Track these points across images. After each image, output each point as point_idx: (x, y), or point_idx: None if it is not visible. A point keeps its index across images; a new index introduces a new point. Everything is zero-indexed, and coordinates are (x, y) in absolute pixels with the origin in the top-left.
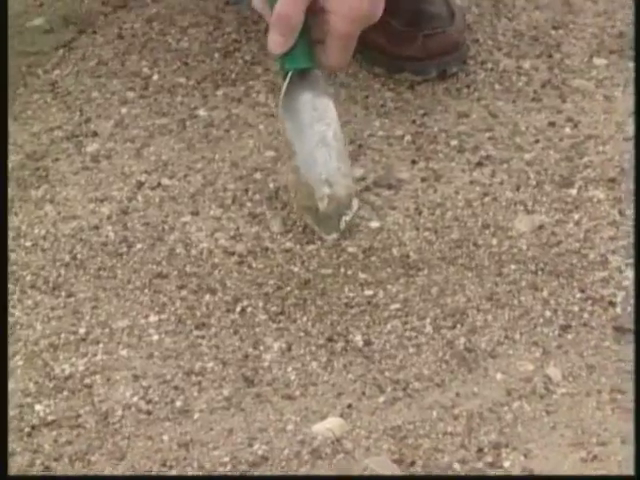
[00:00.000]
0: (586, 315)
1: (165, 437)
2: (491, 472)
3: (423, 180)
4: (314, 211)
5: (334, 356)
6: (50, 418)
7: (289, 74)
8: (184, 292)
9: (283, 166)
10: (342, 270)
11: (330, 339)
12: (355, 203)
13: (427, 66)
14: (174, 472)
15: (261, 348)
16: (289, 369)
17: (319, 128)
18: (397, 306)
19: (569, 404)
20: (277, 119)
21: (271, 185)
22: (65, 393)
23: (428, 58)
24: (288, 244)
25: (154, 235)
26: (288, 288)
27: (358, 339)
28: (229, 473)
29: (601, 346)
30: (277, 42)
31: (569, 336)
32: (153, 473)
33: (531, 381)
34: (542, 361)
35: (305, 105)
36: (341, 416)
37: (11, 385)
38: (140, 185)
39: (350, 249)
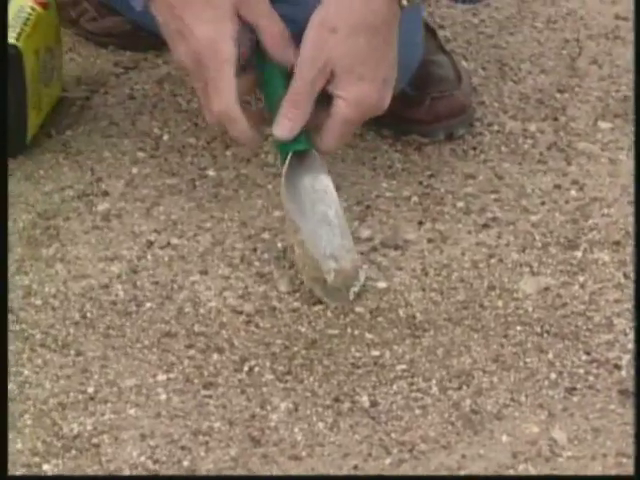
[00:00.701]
0: (591, 378)
1: None
2: None
3: (429, 241)
4: (322, 282)
5: (340, 417)
6: None
7: (289, 156)
8: (192, 351)
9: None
10: (349, 330)
11: (337, 399)
12: (362, 274)
13: (435, 129)
14: None
15: (268, 408)
16: (296, 429)
17: (320, 208)
18: (403, 367)
19: (575, 468)
20: (280, 198)
21: (279, 245)
22: (73, 452)
23: (436, 121)
24: (295, 304)
25: (163, 294)
26: (295, 348)
27: (364, 400)
28: None
29: (607, 409)
30: (287, 127)
31: (574, 399)
32: None
33: (537, 444)
34: (548, 424)
35: (305, 188)
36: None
37: (19, 445)
38: (150, 244)
39: (357, 309)
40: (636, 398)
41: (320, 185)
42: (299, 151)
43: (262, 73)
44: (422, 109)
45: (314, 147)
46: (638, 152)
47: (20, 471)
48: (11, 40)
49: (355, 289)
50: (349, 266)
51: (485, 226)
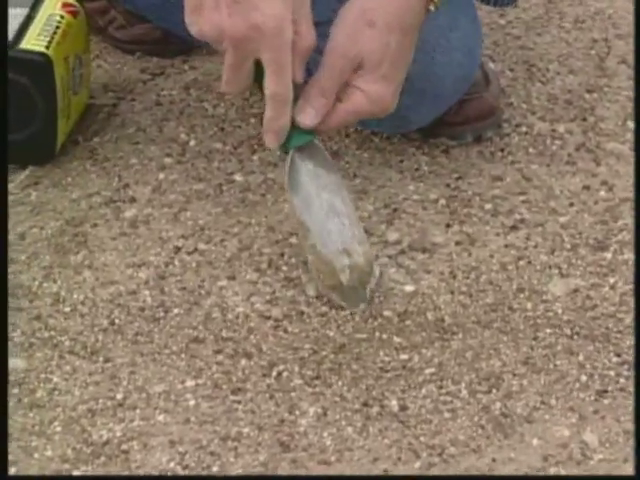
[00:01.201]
0: (622, 380)
1: None
2: None
3: (457, 244)
4: (339, 287)
5: (369, 421)
6: None
7: (291, 152)
8: (220, 357)
9: None
10: (377, 334)
11: (365, 404)
12: (377, 269)
13: (463, 131)
14: None
15: (297, 413)
16: (325, 434)
17: (326, 196)
18: (432, 370)
19: (606, 470)
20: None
21: None
22: (102, 459)
23: (465, 123)
24: (323, 308)
25: (191, 300)
26: (324, 352)
27: (394, 404)
28: None
29: (638, 411)
30: (311, 115)
31: (605, 401)
32: None
33: (567, 447)
34: (578, 427)
35: (308, 176)
36: None
37: (49, 452)
38: (177, 250)
39: (385, 313)
40: (635, 395)
41: (323, 172)
42: (301, 145)
43: None
44: (451, 111)
45: (316, 136)
46: (638, 152)
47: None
48: (41, 49)
49: (371, 285)
50: (362, 261)
51: (513, 228)
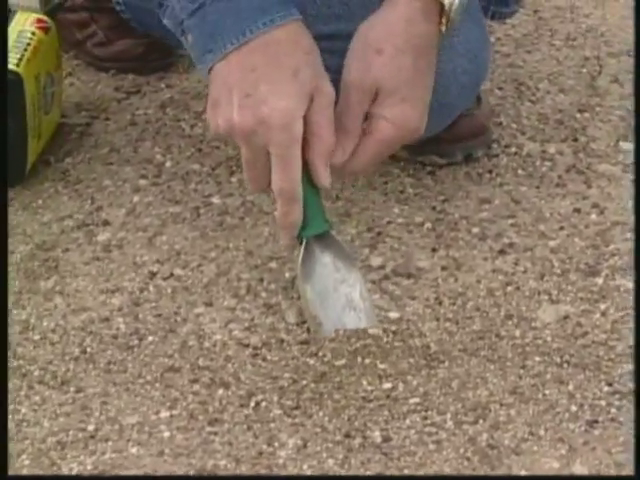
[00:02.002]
0: (614, 410)
1: None
2: None
3: (444, 269)
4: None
5: (351, 453)
6: None
7: (304, 242)
8: (196, 386)
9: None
10: (359, 361)
11: (347, 435)
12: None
13: (453, 149)
14: None
15: (276, 445)
16: (305, 466)
17: (344, 290)
18: (417, 400)
19: None
20: (296, 289)
21: (287, 274)
22: None
23: (456, 141)
24: (304, 335)
25: (166, 327)
26: (304, 382)
27: (376, 435)
28: None
29: (630, 442)
30: (339, 154)
31: (596, 432)
32: None
33: None
34: (568, 458)
35: (326, 268)
36: None
37: None
38: (152, 275)
39: (367, 340)
40: (635, 384)
41: (343, 264)
42: (317, 235)
43: None
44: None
45: (331, 226)
46: (638, 163)
47: None
48: (12, 66)
49: None
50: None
51: (501, 252)
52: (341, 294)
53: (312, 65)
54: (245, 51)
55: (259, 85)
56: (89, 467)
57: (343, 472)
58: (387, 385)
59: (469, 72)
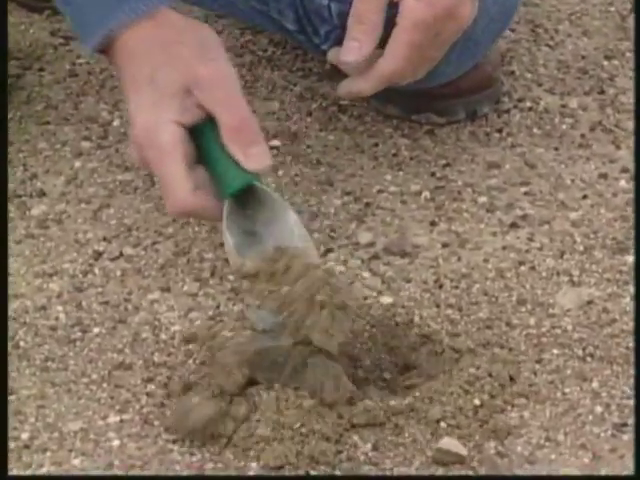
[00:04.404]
0: None
1: None
2: None
3: (444, 246)
4: None
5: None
6: None
7: (225, 203)
8: (151, 386)
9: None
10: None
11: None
12: None
13: (454, 106)
14: None
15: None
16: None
17: (272, 230)
18: (410, 401)
19: None
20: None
21: None
22: None
23: (456, 96)
24: None
25: (115, 316)
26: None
27: (368, 447)
28: None
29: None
30: (355, 48)
31: (625, 437)
32: None
33: None
34: (592, 467)
35: (251, 219)
36: None
37: None
38: (98, 255)
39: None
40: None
41: (269, 213)
42: (241, 191)
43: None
44: None
45: (259, 179)
46: (638, 157)
47: None
48: None
49: None
50: None
51: (513, 226)
52: (269, 234)
53: (177, 57)
54: (110, 54)
55: (128, 102)
56: None
57: None
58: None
59: (499, 2)
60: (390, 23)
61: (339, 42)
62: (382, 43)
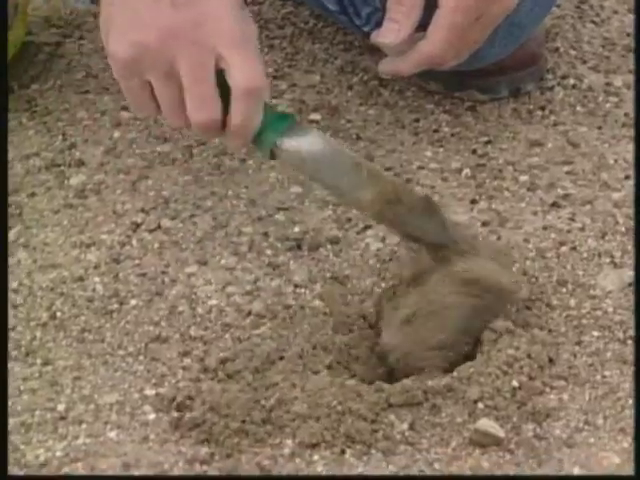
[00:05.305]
0: None
1: None
2: None
3: (484, 224)
4: None
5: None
6: None
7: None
8: (187, 360)
9: (312, 204)
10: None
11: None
12: None
13: (498, 82)
14: None
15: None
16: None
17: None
18: (447, 381)
19: None
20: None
21: (296, 228)
22: None
23: (499, 73)
24: (315, 302)
25: (152, 289)
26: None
27: (404, 427)
28: None
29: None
30: (393, 30)
31: None
32: None
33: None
34: (631, 452)
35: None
36: None
37: None
38: (136, 227)
39: None
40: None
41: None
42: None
43: None
44: None
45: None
46: (638, 159)
47: None
48: None
49: None
50: None
51: (555, 205)
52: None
53: None
54: None
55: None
56: (58, 454)
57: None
58: None
59: None
60: (433, 6)
61: (381, 24)
62: (425, 26)
